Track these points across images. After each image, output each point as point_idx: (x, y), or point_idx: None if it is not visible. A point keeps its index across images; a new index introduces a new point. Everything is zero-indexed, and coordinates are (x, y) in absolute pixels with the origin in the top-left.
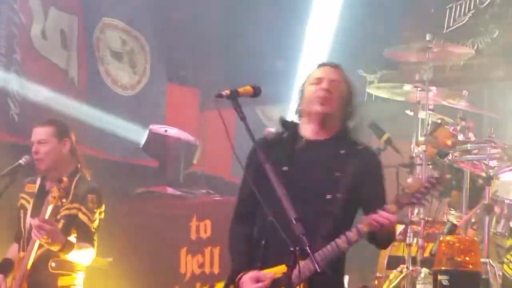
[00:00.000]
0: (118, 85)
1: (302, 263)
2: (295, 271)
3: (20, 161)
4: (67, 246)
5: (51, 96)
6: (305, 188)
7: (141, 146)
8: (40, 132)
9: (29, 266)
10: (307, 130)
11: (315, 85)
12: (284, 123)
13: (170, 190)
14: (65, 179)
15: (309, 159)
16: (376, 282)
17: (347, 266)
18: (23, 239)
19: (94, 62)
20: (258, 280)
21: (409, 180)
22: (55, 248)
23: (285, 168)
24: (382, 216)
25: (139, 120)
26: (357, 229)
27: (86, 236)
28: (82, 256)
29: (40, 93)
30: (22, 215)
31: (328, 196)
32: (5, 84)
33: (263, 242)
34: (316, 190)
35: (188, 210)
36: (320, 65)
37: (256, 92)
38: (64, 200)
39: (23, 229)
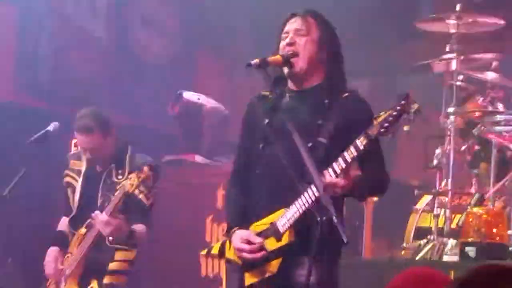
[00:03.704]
0: (148, 53)
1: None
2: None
3: (49, 127)
4: (130, 237)
5: (81, 63)
6: (286, 138)
7: (171, 113)
8: (88, 141)
9: (86, 248)
10: (291, 83)
11: (283, 40)
12: (275, 79)
13: (198, 158)
14: (145, 168)
15: (291, 110)
16: (403, 252)
17: (374, 237)
18: (75, 217)
19: (125, 29)
20: (248, 241)
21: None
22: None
23: (266, 121)
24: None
25: (168, 87)
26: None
27: (142, 216)
28: (138, 238)
29: (70, 60)
30: (70, 193)
31: (310, 144)
32: (35, 50)
33: (254, 197)
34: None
35: (215, 178)
36: (289, 16)
37: (286, 61)
38: (120, 177)
39: (72, 207)
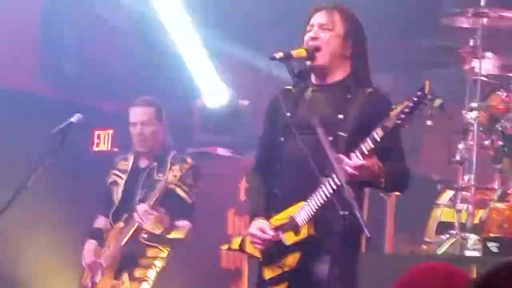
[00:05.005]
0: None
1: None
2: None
3: (72, 119)
4: (170, 230)
5: (104, 54)
6: (307, 132)
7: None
8: (142, 113)
9: (123, 242)
10: (315, 77)
11: (308, 33)
12: (299, 73)
13: (220, 151)
14: (189, 160)
15: (313, 104)
16: (425, 247)
17: (396, 231)
18: (116, 211)
19: (148, 20)
20: (262, 231)
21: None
22: (157, 230)
23: (288, 114)
24: (347, 165)
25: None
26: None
27: (185, 214)
28: (181, 234)
29: (94, 51)
30: (114, 190)
31: (330, 137)
32: (60, 41)
33: (275, 191)
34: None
35: (238, 171)
36: (315, 9)
37: (309, 55)
38: (161, 175)
39: (115, 202)
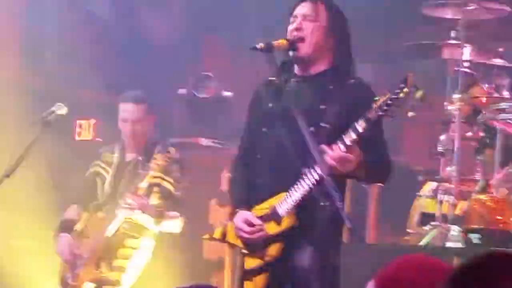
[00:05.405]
0: (154, 34)
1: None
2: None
3: (53, 108)
4: (159, 217)
5: (87, 44)
6: (289, 123)
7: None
8: (134, 111)
9: (110, 233)
10: (298, 68)
11: (291, 24)
12: (282, 64)
13: (203, 141)
14: (172, 149)
15: (295, 95)
16: (407, 238)
17: (378, 222)
18: (97, 204)
19: (130, 10)
20: (248, 222)
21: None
22: (145, 219)
23: (270, 105)
24: (329, 156)
25: (173, 70)
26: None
27: (173, 205)
28: (173, 226)
29: (76, 41)
30: (99, 182)
31: (312, 128)
32: (41, 31)
33: (257, 181)
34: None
35: (220, 161)
36: (298, 0)
37: (291, 46)
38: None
39: (100, 195)
